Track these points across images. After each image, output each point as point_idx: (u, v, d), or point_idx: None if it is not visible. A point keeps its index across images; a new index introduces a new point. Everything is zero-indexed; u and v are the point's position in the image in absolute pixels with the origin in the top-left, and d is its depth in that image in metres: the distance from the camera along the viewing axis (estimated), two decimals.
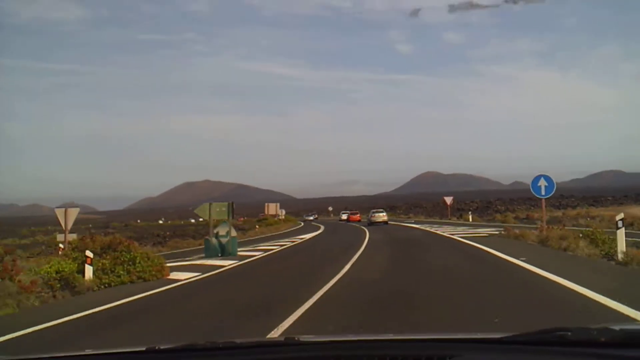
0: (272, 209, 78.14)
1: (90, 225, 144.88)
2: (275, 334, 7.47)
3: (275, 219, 77.86)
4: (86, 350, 2.90)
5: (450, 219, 58.91)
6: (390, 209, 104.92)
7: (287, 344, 2.74)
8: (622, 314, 7.43)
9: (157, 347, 2.69)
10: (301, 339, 2.73)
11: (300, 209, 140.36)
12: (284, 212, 62.02)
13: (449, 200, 62.53)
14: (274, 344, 2.98)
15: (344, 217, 79.70)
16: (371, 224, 53.45)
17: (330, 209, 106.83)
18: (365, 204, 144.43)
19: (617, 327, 2.38)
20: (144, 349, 2.73)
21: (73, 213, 20.63)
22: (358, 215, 76.11)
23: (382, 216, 55.84)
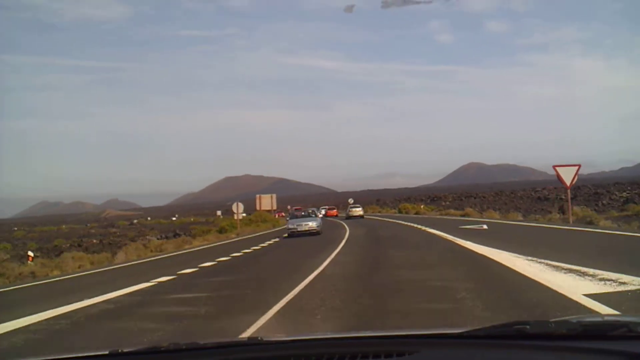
0: (265, 202, 72.56)
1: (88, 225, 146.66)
2: None
3: (274, 216, 73.09)
4: (48, 356, 2.89)
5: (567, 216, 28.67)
6: (432, 200, 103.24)
7: (250, 343, 2.75)
8: None
9: (120, 350, 2.67)
10: (265, 339, 2.75)
11: (340, 202, 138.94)
12: (241, 207, 45.17)
13: (568, 173, 25.98)
14: (237, 344, 2.93)
15: (322, 212, 76.40)
16: (349, 217, 61.87)
17: (350, 201, 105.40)
18: (404, 195, 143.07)
19: (574, 320, 2.49)
20: (107, 352, 2.68)
21: None
22: (335, 210, 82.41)
23: (358, 211, 64.71)
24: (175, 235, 57.42)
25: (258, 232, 46.29)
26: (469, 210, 47.59)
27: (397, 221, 43.70)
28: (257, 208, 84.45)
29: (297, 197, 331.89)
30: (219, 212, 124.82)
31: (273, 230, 49.06)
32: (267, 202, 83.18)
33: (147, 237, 57.55)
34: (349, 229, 35.33)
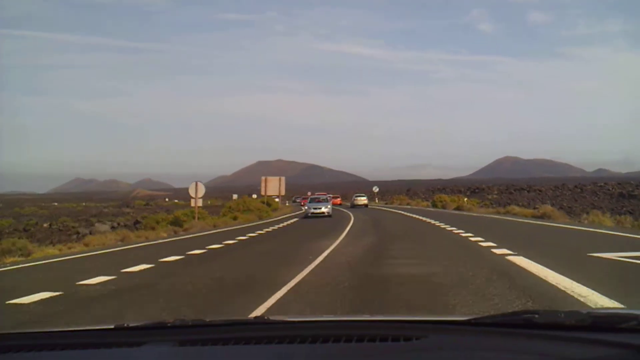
0: (272, 185, 62.71)
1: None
2: None
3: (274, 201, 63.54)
4: (54, 328, 2.96)
5: None
6: (472, 192, 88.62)
7: (257, 322, 2.76)
8: None
9: (125, 325, 2.66)
10: (271, 319, 2.75)
11: (368, 190, 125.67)
12: (201, 189, 32.36)
13: None
14: (244, 322, 2.84)
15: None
16: (353, 206, 63.61)
17: (375, 189, 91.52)
18: (437, 186, 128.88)
19: (584, 311, 2.40)
20: (112, 326, 2.66)
21: None
22: (339, 199, 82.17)
23: (363, 200, 66.66)
24: (136, 223, 44.56)
25: (220, 227, 32.31)
26: (547, 209, 30.91)
27: (431, 222, 29.77)
28: (262, 193, 72.99)
29: (328, 184, 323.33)
30: (234, 196, 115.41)
31: (248, 225, 34.08)
32: (274, 185, 71.44)
33: (96, 224, 44.88)
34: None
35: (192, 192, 32.40)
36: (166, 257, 14.96)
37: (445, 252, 14.43)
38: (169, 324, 2.64)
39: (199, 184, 32.64)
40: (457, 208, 47.99)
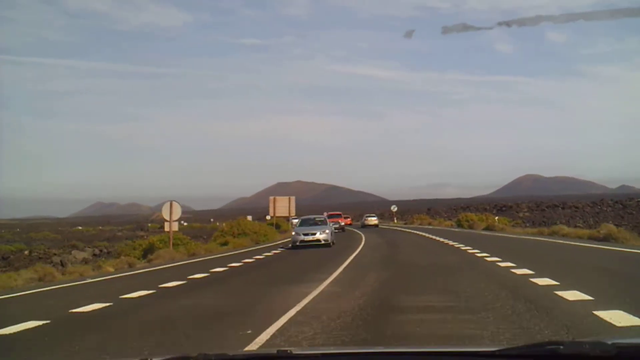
0: (280, 206, 56.81)
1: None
2: None
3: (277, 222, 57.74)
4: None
5: None
6: (499, 210, 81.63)
7: (279, 356, 2.70)
8: None
9: (149, 359, 2.64)
10: (294, 352, 2.68)
11: (387, 210, 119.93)
12: (177, 211, 26.04)
13: None
14: (266, 356, 2.88)
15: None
16: (364, 226, 62.45)
17: (394, 208, 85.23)
18: (459, 205, 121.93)
19: (609, 342, 2.35)
20: None
21: None
22: (349, 219, 78.14)
23: (373, 220, 65.57)
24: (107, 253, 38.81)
25: (198, 256, 26.21)
26: (611, 229, 23.56)
27: (461, 247, 23.45)
28: (271, 214, 67.51)
29: (347, 205, 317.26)
30: (249, 217, 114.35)
31: (234, 253, 28.38)
32: (283, 206, 65.90)
33: (74, 252, 39.42)
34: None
35: (165, 214, 26.41)
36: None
37: (501, 309, 8.10)
38: (191, 358, 2.59)
39: (174, 204, 26.71)
40: (487, 228, 41.51)
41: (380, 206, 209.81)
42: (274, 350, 3.04)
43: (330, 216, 44.95)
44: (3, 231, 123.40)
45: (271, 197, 70.64)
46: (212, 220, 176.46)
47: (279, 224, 74.77)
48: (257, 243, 36.86)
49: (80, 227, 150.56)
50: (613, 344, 2.29)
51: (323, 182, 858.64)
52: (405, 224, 73.63)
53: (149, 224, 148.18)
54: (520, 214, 65.60)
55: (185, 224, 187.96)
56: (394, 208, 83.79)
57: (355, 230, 51.18)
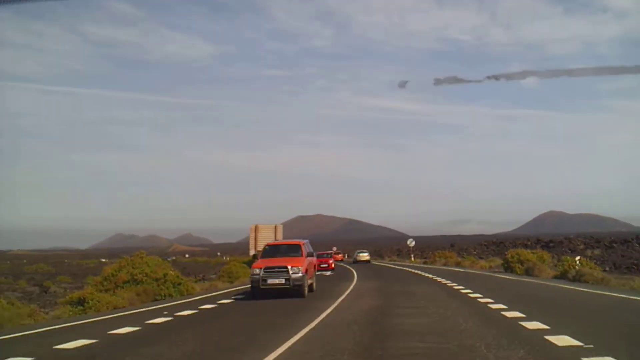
0: (264, 237, 44.15)
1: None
2: None
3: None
4: None
5: None
6: (545, 246, 63.52)
7: None
8: None
9: None
10: None
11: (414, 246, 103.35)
12: None
13: None
14: None
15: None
16: (356, 262, 63.10)
17: (411, 243, 68.47)
18: (485, 242, 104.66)
19: None
20: None
21: None
22: (341, 255, 78.67)
23: (365, 256, 66.00)
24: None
25: None
26: None
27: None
28: (252, 248, 50.78)
29: (367, 240, 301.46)
30: (252, 252, 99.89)
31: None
32: (267, 237, 49.35)
33: None
34: None
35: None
36: None
37: None
38: None
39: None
40: (564, 274, 24.17)
41: (400, 241, 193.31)
42: None
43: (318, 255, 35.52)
44: (9, 262, 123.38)
45: (252, 225, 54.08)
46: (219, 254, 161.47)
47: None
48: (155, 299, 20.16)
49: (104, 259, 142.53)
50: None
51: (344, 216, 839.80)
52: (425, 262, 56.55)
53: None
54: (589, 252, 47.67)
55: (187, 256, 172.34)
56: (411, 242, 66.62)
57: (347, 267, 44.06)
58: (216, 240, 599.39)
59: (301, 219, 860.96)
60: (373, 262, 70.26)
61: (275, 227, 53.90)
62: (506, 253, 33.18)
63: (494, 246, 78.32)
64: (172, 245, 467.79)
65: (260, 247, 52.95)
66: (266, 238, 53.92)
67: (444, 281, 24.59)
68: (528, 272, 28.23)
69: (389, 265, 54.96)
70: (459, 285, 22.41)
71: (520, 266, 30.28)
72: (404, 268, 42.82)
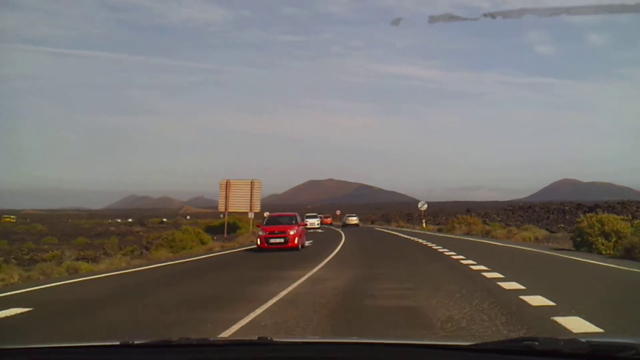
0: (236, 195, 39.17)
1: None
2: None
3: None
4: (60, 343, 2.79)
5: None
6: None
7: (260, 343, 2.64)
8: None
9: (131, 342, 2.61)
10: (275, 340, 2.67)
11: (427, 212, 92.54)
12: None
13: None
14: (247, 342, 2.78)
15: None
16: (345, 225, 61.79)
17: (422, 206, 55.89)
18: (495, 208, 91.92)
19: (583, 339, 2.33)
20: (118, 343, 2.62)
21: None
22: (330, 218, 79.76)
23: (354, 220, 66.51)
24: None
25: None
26: None
27: None
28: (221, 208, 45.07)
29: (378, 204, 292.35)
30: (251, 215, 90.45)
31: None
32: (240, 196, 39.06)
33: None
34: None
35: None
36: None
37: None
38: (173, 343, 2.57)
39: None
40: None
41: (411, 207, 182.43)
42: (254, 337, 2.91)
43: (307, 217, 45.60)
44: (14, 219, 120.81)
45: (222, 181, 43.02)
46: (222, 216, 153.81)
47: (237, 224, 45.36)
48: None
49: (114, 220, 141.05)
50: (587, 341, 2.24)
51: (355, 181, 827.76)
52: (441, 229, 44.12)
53: (151, 220, 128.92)
54: None
55: (188, 217, 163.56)
56: (422, 205, 54.04)
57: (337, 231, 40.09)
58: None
59: (312, 184, 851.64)
60: (377, 227, 58.15)
61: (252, 183, 42.74)
62: (579, 219, 20.26)
63: (521, 211, 65.54)
64: (183, 208, 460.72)
65: (233, 206, 41.09)
66: (240, 196, 42.78)
67: (488, 274, 12.09)
68: (629, 254, 15.62)
69: (394, 232, 42.56)
70: (530, 287, 9.99)
71: (605, 242, 17.68)
72: (412, 237, 30.62)
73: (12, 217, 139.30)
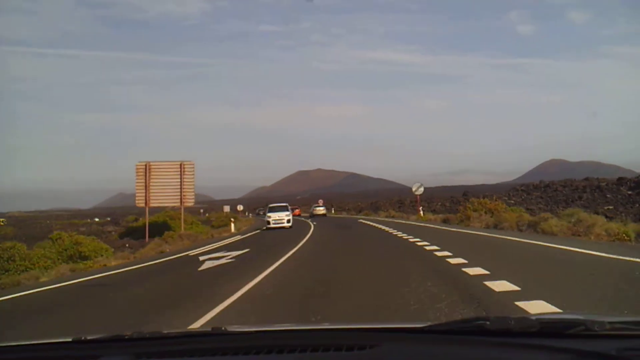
0: (158, 183, 31.00)
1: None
2: None
3: None
4: (8, 342, 2.65)
5: None
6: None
7: (214, 333, 2.60)
8: None
9: (83, 338, 2.54)
10: (228, 329, 2.60)
11: (414, 198, 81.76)
12: None
13: None
14: (201, 334, 2.78)
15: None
16: (313, 216, 61.31)
17: (417, 189, 42.32)
18: (486, 192, 79.81)
19: (533, 317, 2.33)
20: (70, 339, 2.55)
21: None
22: (298, 210, 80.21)
23: (321, 210, 67.20)
24: None
25: None
26: None
27: None
28: (140, 202, 32.62)
29: (368, 192, 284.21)
30: (226, 208, 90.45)
31: None
32: (166, 184, 23.38)
33: None
34: None
35: None
36: None
37: None
38: (126, 337, 2.52)
39: None
40: None
41: (401, 193, 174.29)
42: (208, 328, 2.90)
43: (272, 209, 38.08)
44: None
45: (139, 163, 29.14)
46: (201, 211, 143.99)
47: (169, 224, 32.64)
48: None
49: (97, 219, 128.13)
50: (537, 319, 2.25)
51: (343, 170, 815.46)
52: (446, 220, 31.64)
53: (127, 217, 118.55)
54: None
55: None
56: (418, 188, 41.60)
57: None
58: (217, 196, 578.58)
59: (301, 174, 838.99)
60: (362, 219, 45.51)
61: (182, 166, 29.60)
62: None
63: (537, 191, 53.24)
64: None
65: (157, 199, 31.08)
66: (166, 185, 30.19)
67: None
68: None
69: (383, 226, 30.03)
70: None
71: None
72: (412, 238, 18.15)
73: (1, 220, 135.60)
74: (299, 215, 71.15)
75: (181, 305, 8.64)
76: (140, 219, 37.79)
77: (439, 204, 71.85)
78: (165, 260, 17.41)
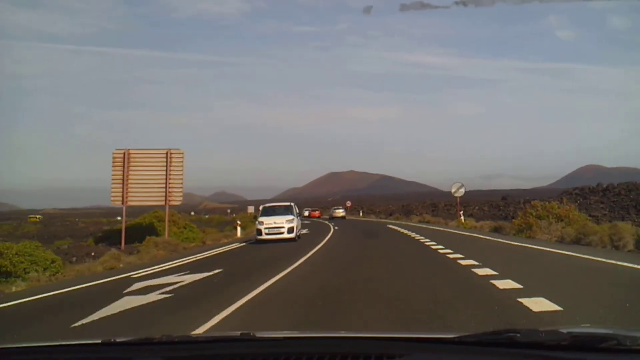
0: (139, 175, 24.46)
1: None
2: None
3: None
4: (39, 342, 2.62)
5: None
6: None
7: (243, 339, 2.58)
8: None
9: (113, 340, 2.54)
10: (257, 335, 2.58)
11: (446, 200, 79.43)
12: None
13: None
14: (229, 339, 2.72)
15: (306, 213, 71.63)
16: (332, 218, 61.24)
17: (458, 190, 34.85)
18: (528, 197, 71.96)
19: (564, 330, 2.28)
20: (99, 341, 2.53)
21: None
22: (318, 212, 78.19)
23: (340, 212, 65.50)
24: None
25: None
26: None
27: None
28: (115, 200, 25.60)
29: (399, 195, 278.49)
30: (250, 209, 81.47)
31: None
32: (148, 178, 16.84)
33: None
34: None
35: None
36: None
37: None
38: (155, 340, 2.52)
39: None
40: None
41: (433, 196, 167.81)
42: (237, 333, 2.85)
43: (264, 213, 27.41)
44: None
45: (117, 151, 21.73)
46: (229, 211, 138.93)
47: (155, 226, 25.06)
48: None
49: (119, 218, 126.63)
50: (568, 332, 2.21)
51: (376, 172, 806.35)
52: (500, 229, 25.08)
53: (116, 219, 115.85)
54: None
55: (193, 213, 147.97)
56: (458, 190, 35.14)
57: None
58: (249, 197, 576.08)
59: (333, 176, 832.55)
60: (391, 225, 38.96)
61: (169, 155, 22.78)
62: None
63: (595, 195, 46.04)
64: (203, 202, 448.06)
65: (136, 196, 25.18)
66: (149, 180, 23.54)
67: None
68: None
69: (418, 236, 23.55)
70: None
71: None
72: (466, 260, 11.53)
73: (37, 216, 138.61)
74: (318, 217, 71.40)
75: None
76: (140, 217, 31.96)
77: (476, 208, 64.97)
78: (76, 290, 11.27)
